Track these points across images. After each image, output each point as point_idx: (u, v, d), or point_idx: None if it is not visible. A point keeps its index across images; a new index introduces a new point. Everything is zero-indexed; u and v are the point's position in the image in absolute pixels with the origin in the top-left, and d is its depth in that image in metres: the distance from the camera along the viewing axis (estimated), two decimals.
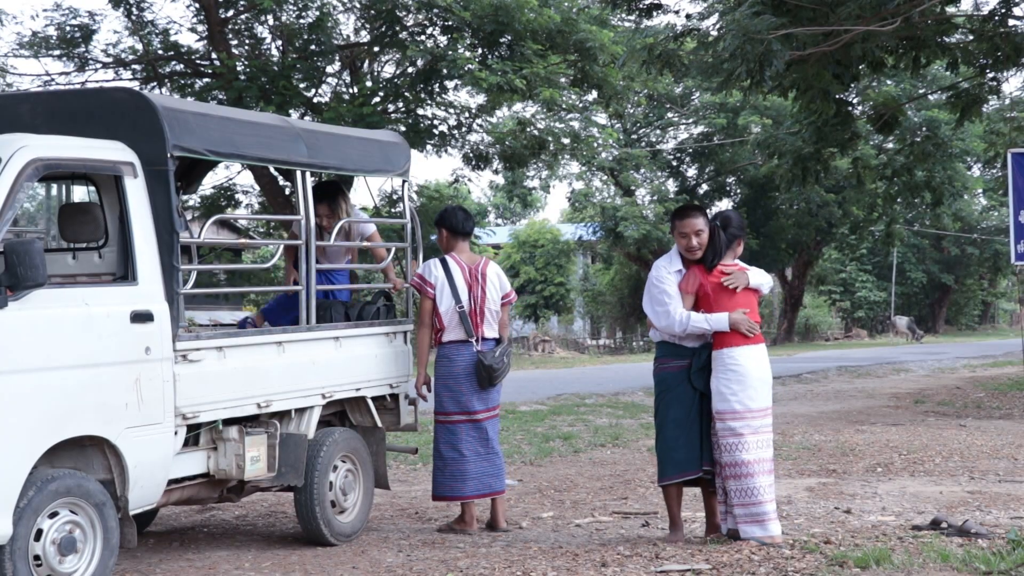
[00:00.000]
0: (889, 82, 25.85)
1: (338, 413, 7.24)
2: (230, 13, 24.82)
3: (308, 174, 6.93)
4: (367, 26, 25.28)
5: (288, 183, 26.20)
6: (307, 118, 25.35)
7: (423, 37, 23.70)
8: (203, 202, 26.36)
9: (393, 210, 28.11)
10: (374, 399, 7.31)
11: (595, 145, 29.21)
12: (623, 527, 7.41)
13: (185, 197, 8.02)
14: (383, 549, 6.72)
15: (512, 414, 14.22)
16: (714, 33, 13.97)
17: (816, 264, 46.79)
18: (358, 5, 24.61)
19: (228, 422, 6.26)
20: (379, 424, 7.31)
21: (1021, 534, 6.37)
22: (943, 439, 11.65)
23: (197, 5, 24.69)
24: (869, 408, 15.50)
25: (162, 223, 5.88)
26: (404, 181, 7.85)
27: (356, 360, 7.12)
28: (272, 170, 24.52)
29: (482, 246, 45.27)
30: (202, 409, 6.02)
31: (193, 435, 6.13)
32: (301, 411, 6.71)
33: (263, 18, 25.00)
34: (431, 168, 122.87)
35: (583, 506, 8.15)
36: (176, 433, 5.89)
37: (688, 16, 15.61)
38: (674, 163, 41.37)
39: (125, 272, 5.78)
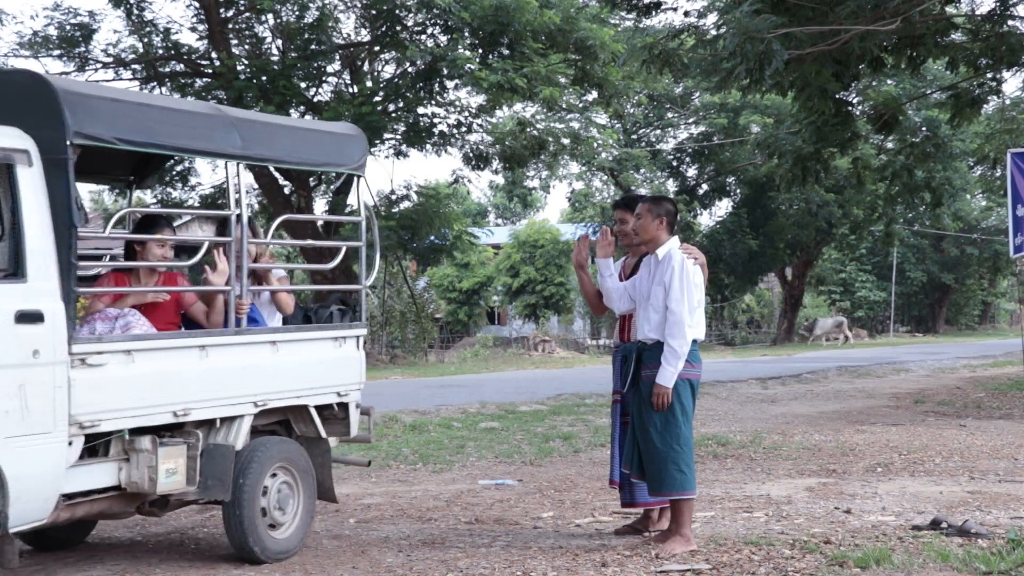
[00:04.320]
0: (889, 82, 25.85)
1: (284, 422, 6.82)
2: (230, 13, 24.81)
3: (242, 166, 6.43)
4: (367, 25, 25.28)
5: (288, 183, 26.26)
6: (307, 117, 25.38)
7: (423, 37, 23.69)
8: (202, 202, 26.38)
9: (393, 210, 28.18)
10: (320, 408, 6.86)
11: (595, 145, 29.21)
12: None
13: (140, 193, 7.60)
14: (383, 549, 6.71)
15: (512, 414, 14.23)
16: (713, 32, 13.99)
17: (816, 264, 46.81)
18: (358, 5, 24.61)
19: (143, 431, 5.79)
20: (323, 435, 6.85)
21: (1021, 534, 6.38)
22: (943, 439, 11.66)
23: (197, 5, 24.69)
24: (869, 408, 15.50)
25: (59, 216, 5.41)
26: (359, 177, 7.28)
27: (297, 366, 6.64)
28: (272, 170, 24.56)
29: (482, 246, 45.36)
30: (103, 418, 5.52)
31: (103, 445, 5.69)
32: (230, 420, 6.23)
33: (263, 18, 25.00)
34: (431, 168, 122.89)
35: (583, 506, 8.15)
36: (71, 443, 5.39)
37: (686, 14, 15.63)
38: (674, 163, 41.39)
39: (15, 268, 5.31)
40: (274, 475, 6.41)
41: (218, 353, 6.15)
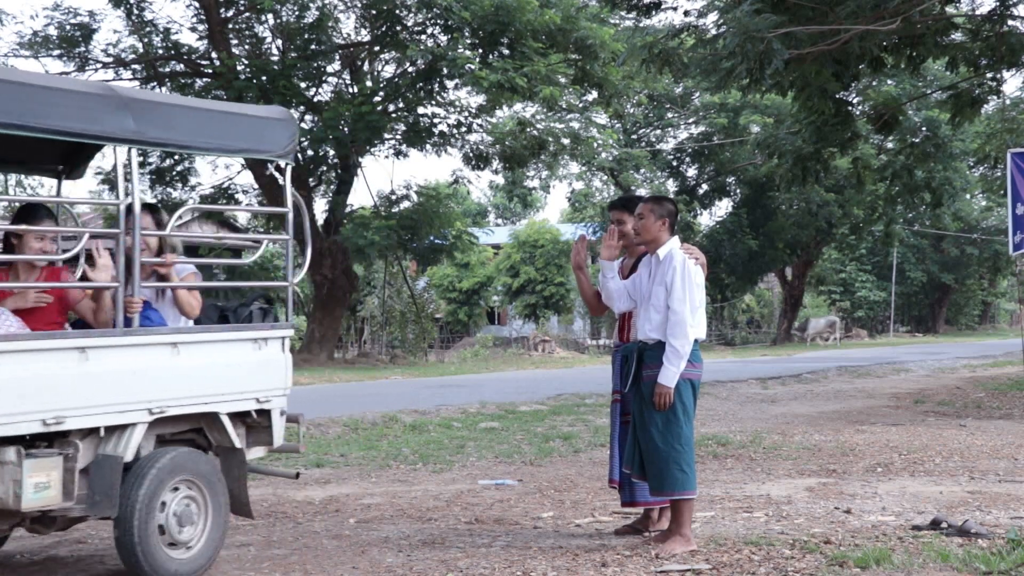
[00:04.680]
0: (889, 82, 25.88)
1: (202, 431, 6.20)
2: (230, 13, 24.80)
3: (134, 151, 5.74)
4: (367, 25, 25.28)
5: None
6: (307, 117, 25.38)
7: (423, 37, 23.68)
8: (202, 202, 26.36)
9: (393, 210, 28.17)
10: (239, 416, 6.23)
11: (595, 145, 29.24)
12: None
13: (70, 183, 7.06)
14: (383, 549, 6.71)
15: (512, 414, 14.23)
16: (713, 31, 14.00)
17: (816, 264, 46.82)
18: (358, 5, 24.61)
19: (10, 441, 5.20)
20: (236, 444, 6.17)
21: (1021, 534, 6.38)
22: (943, 439, 11.66)
23: (197, 5, 24.69)
24: (869, 408, 15.50)
25: None
26: (287, 165, 6.65)
27: (204, 370, 5.97)
28: (272, 169, 24.55)
29: (482, 246, 45.38)
30: None
31: None
32: (120, 429, 5.57)
33: (263, 18, 24.99)
34: (431, 168, 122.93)
35: (583, 506, 8.14)
36: None
37: (686, 13, 15.64)
38: (674, 163, 41.40)
39: None
40: (176, 489, 5.75)
41: (101, 356, 5.48)
